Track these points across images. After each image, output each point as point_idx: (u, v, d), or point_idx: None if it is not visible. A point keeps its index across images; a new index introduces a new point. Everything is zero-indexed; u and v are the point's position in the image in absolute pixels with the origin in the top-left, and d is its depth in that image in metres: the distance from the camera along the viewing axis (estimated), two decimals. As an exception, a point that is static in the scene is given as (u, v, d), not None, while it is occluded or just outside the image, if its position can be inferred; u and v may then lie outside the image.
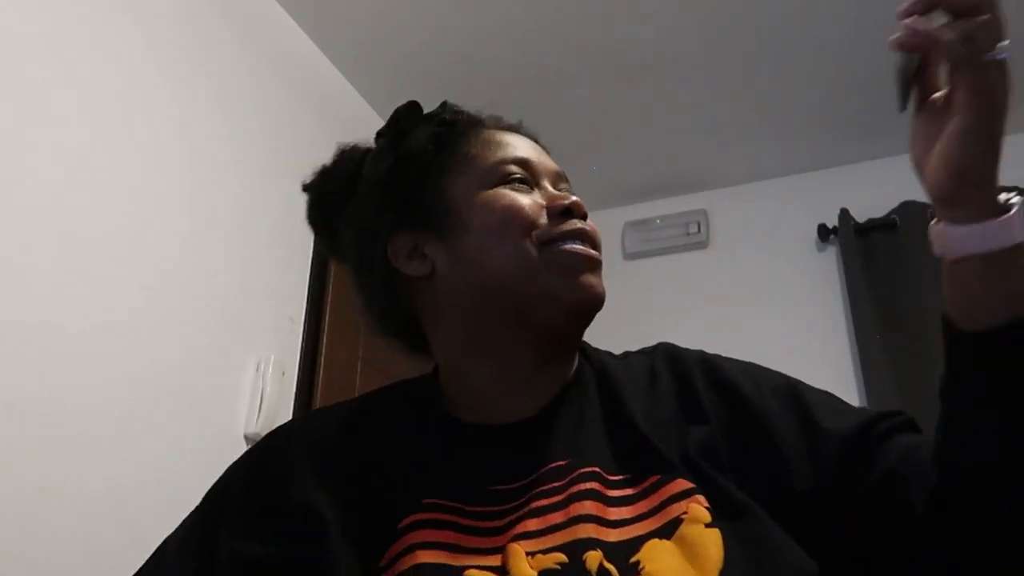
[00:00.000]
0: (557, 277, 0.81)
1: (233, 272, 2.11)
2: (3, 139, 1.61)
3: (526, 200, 0.84)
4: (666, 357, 0.88)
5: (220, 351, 2.03)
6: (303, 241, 2.41)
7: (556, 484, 0.75)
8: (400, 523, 0.72)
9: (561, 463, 0.76)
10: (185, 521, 0.84)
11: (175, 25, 2.09)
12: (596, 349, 0.93)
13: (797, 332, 2.90)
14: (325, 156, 0.99)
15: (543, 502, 0.74)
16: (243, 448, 2.07)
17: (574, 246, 0.83)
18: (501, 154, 0.88)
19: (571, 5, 2.49)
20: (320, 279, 2.42)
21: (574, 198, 0.86)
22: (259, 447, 0.87)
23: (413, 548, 0.70)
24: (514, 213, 0.83)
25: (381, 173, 0.91)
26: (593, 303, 0.82)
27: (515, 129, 0.95)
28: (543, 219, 0.83)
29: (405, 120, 0.93)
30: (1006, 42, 0.63)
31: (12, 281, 1.57)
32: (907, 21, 0.65)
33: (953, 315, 0.68)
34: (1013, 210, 0.65)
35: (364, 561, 0.71)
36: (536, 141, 0.95)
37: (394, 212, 0.90)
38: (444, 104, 0.96)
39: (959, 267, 0.67)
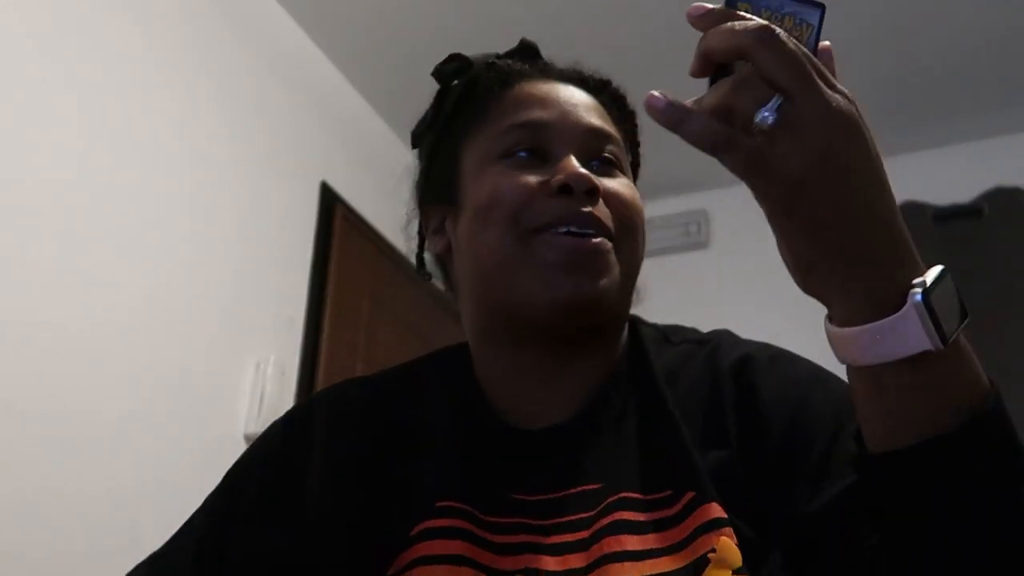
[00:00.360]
0: (535, 274, 0.69)
1: (233, 272, 2.11)
2: (2, 139, 1.61)
3: (520, 179, 0.72)
4: (707, 359, 0.75)
5: (220, 351, 2.03)
6: (303, 241, 2.41)
7: (583, 515, 0.66)
8: (412, 529, 0.67)
9: (592, 487, 0.68)
10: (210, 496, 0.79)
11: (175, 25, 2.09)
12: (652, 330, 0.80)
13: (797, 332, 2.88)
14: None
15: (567, 537, 0.66)
16: (243, 448, 2.08)
17: (557, 236, 0.69)
18: (513, 118, 0.75)
19: (571, 5, 2.49)
20: (320, 279, 2.42)
21: (578, 171, 0.70)
22: (284, 427, 0.81)
23: (419, 562, 0.65)
24: (498, 197, 0.72)
25: (418, 137, 0.84)
26: (577, 305, 0.69)
27: (563, 76, 0.80)
28: (540, 200, 0.71)
29: (444, 76, 0.82)
30: (774, 101, 0.47)
31: (12, 281, 1.57)
32: (650, 95, 0.50)
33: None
34: (901, 312, 0.48)
35: (372, 567, 0.67)
36: (596, 87, 0.81)
37: (428, 181, 0.83)
38: (521, 42, 0.84)
39: (848, 370, 0.54)
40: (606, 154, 0.76)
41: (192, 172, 2.05)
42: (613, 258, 0.71)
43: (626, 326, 0.79)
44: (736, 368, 0.72)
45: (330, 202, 2.50)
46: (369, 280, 2.59)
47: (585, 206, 0.70)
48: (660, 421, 0.70)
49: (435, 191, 0.81)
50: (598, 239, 0.70)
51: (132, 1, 1.98)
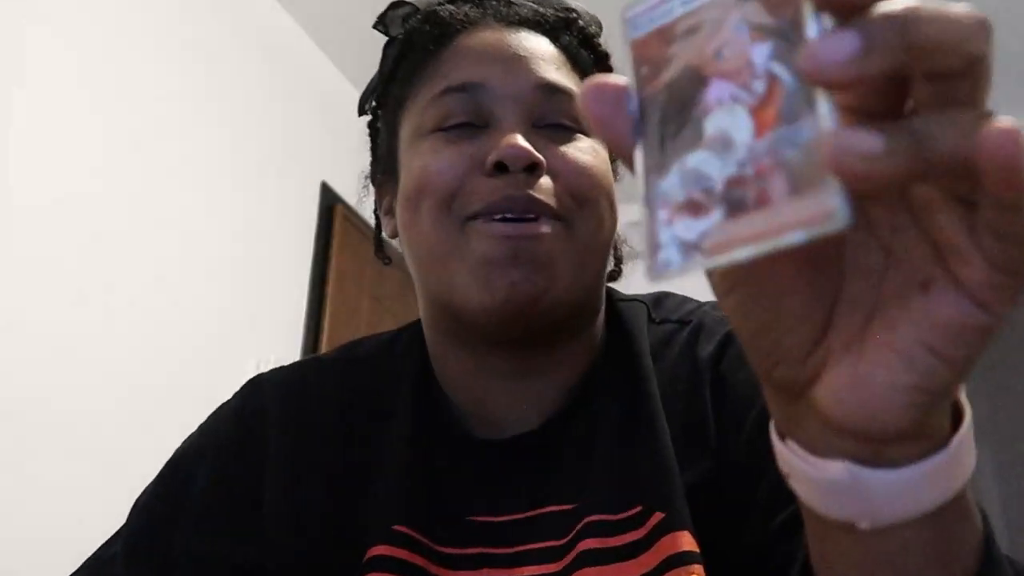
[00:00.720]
0: (469, 270, 0.59)
1: (233, 272, 2.11)
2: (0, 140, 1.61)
3: (451, 157, 0.60)
4: (687, 345, 0.65)
5: (220, 351, 2.03)
6: (303, 241, 2.41)
7: (553, 544, 0.58)
8: (364, 554, 0.58)
9: (563, 508, 0.59)
10: (149, 491, 0.70)
11: (174, 25, 2.09)
12: (634, 307, 0.69)
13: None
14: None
15: (534, 570, 0.58)
16: (243, 448, 2.08)
17: (491, 223, 0.58)
18: (447, 80, 0.63)
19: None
20: (320, 279, 2.42)
21: (511, 144, 0.58)
22: (236, 417, 0.70)
23: None
24: (426, 180, 0.60)
25: (363, 104, 0.74)
26: (515, 308, 0.58)
27: (515, 19, 0.66)
28: (472, 181, 0.59)
29: (388, 28, 0.70)
30: None
31: (11, 282, 1.57)
32: (847, 136, 0.24)
33: None
34: (965, 421, 0.33)
35: None
36: (555, 27, 0.67)
37: (376, 155, 0.73)
38: None
39: (881, 539, 0.34)
40: (562, 114, 0.63)
41: (192, 172, 2.05)
42: (560, 245, 0.59)
43: (602, 309, 0.68)
44: (715, 358, 0.63)
45: (330, 202, 2.50)
46: (369, 280, 2.59)
47: (524, 186, 0.58)
48: (641, 420, 0.61)
49: (382, 167, 0.70)
50: (538, 224, 0.58)
51: (133, 2, 1.98)
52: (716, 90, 0.26)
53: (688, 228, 0.26)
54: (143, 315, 1.83)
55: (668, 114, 0.27)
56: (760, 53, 0.26)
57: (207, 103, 2.14)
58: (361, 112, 0.75)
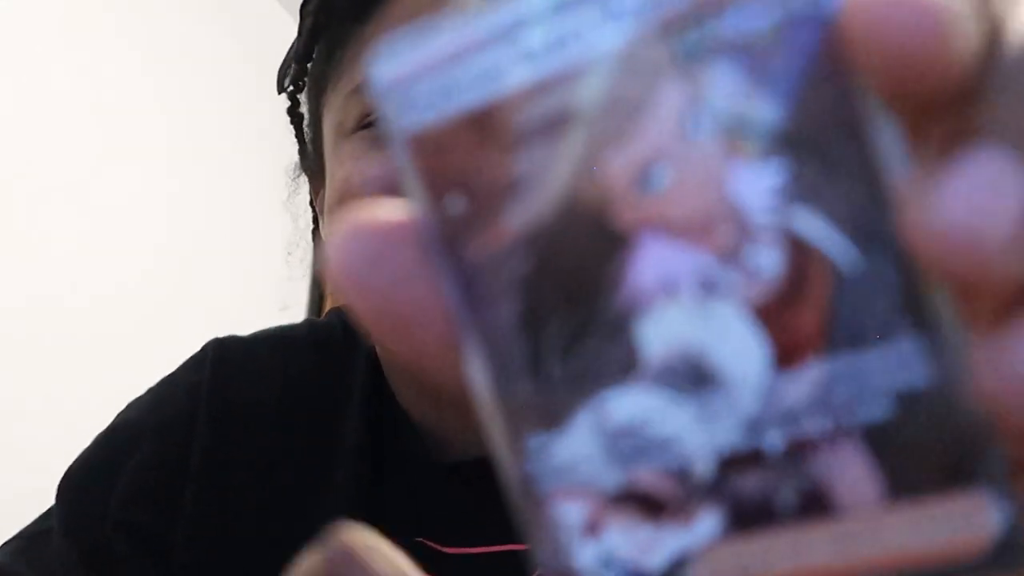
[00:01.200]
0: None
1: (233, 272, 2.11)
2: None
3: (373, 167, 0.51)
4: None
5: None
6: (304, 239, 2.41)
7: None
8: None
9: (518, 548, 0.52)
10: (83, 459, 0.64)
11: (174, 24, 2.09)
12: None
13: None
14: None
15: None
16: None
17: None
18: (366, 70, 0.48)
19: None
20: (320, 279, 2.42)
21: None
22: (171, 392, 0.64)
23: None
24: (348, 196, 0.52)
25: (281, 82, 0.65)
26: None
27: None
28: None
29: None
30: None
31: (9, 280, 1.57)
32: None
33: None
34: None
35: None
36: None
37: (302, 144, 0.65)
38: None
39: None
40: None
41: (192, 168, 2.05)
42: None
43: None
44: None
45: (330, 201, 2.50)
46: (370, 279, 2.59)
47: None
48: None
49: (310, 160, 0.62)
50: None
51: (131, 3, 1.98)
52: (656, 262, 0.13)
53: (639, 544, 0.13)
54: (142, 316, 1.83)
55: (541, 303, 0.14)
56: (755, 185, 0.12)
57: (207, 103, 2.13)
58: (280, 90, 0.65)
